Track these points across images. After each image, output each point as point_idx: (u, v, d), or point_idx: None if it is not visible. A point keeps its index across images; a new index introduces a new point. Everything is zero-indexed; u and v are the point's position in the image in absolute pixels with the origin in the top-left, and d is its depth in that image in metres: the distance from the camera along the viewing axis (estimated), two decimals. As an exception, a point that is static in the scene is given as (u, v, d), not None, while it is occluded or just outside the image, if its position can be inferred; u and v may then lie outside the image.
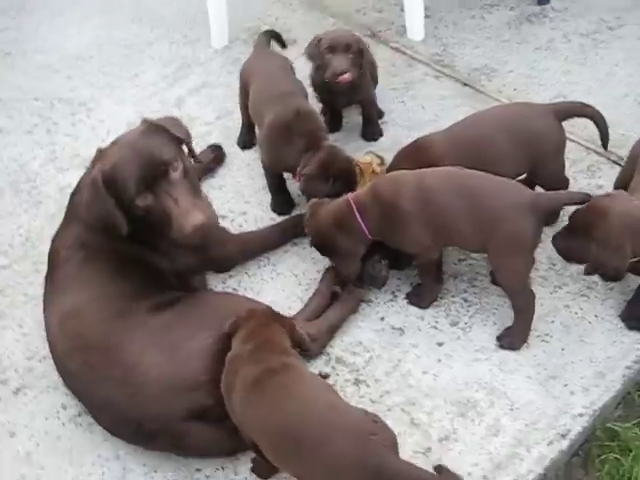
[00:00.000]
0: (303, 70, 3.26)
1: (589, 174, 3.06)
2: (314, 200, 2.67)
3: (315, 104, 3.33)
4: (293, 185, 2.96)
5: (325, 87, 3.09)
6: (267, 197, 3.06)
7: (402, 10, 3.72)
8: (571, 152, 3.10)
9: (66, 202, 2.68)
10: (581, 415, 2.40)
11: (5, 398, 2.59)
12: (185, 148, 2.56)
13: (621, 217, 2.35)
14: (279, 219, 2.99)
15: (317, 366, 2.55)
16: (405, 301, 2.72)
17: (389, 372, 2.54)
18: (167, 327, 2.40)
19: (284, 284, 2.81)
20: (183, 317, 2.43)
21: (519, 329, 2.56)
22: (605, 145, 2.83)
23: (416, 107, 3.40)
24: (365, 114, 3.26)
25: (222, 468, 2.37)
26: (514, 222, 2.41)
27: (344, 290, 2.70)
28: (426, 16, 3.75)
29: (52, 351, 2.52)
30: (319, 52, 2.99)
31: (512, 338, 2.56)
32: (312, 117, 2.87)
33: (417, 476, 1.98)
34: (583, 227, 2.40)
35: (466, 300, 2.71)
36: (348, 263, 2.65)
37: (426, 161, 2.61)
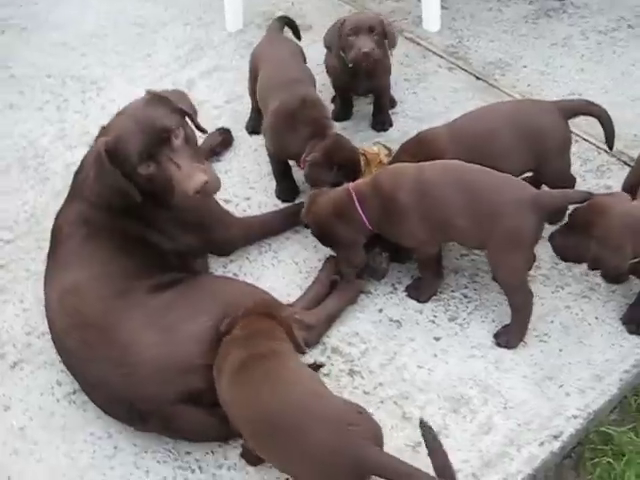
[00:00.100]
0: (319, 57, 3.24)
1: (598, 174, 3.02)
2: (314, 190, 2.66)
3: (326, 92, 3.33)
4: (298, 172, 2.95)
5: (346, 71, 3.06)
6: (272, 183, 3.05)
7: (419, 0, 3.69)
8: (582, 151, 3.08)
9: (73, 180, 2.68)
10: (575, 417, 2.38)
11: (2, 372, 2.61)
12: (189, 121, 2.54)
13: (622, 217, 2.33)
14: (283, 206, 2.98)
15: (313, 355, 2.55)
16: (404, 294, 2.70)
17: (384, 364, 2.53)
18: (166, 308, 2.39)
19: (285, 271, 2.81)
20: (183, 299, 2.43)
21: (516, 328, 2.54)
22: (610, 145, 2.79)
23: (427, 99, 3.37)
24: (377, 103, 3.24)
25: (212, 452, 2.37)
26: (514, 218, 2.38)
27: (343, 280, 2.69)
28: (443, 7, 3.72)
29: (50, 327, 2.53)
30: (342, 34, 2.97)
31: (509, 336, 2.54)
32: (317, 105, 2.85)
33: (400, 469, 1.94)
34: (583, 225, 2.37)
35: (466, 296, 2.70)
36: (351, 253, 2.63)
37: (428, 154, 2.59)
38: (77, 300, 2.44)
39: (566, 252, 2.48)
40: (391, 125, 3.24)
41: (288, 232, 2.91)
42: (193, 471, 2.34)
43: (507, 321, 2.57)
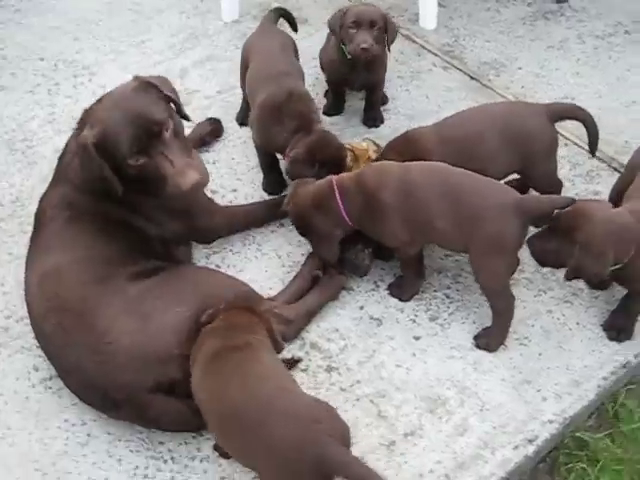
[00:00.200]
0: (314, 50, 3.21)
1: (587, 179, 3.01)
2: (299, 180, 2.64)
3: (319, 86, 3.31)
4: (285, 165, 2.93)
5: (344, 62, 3.04)
6: (259, 176, 3.03)
7: (416, -2, 3.67)
8: (572, 155, 3.07)
9: (60, 165, 2.65)
10: (551, 422, 2.38)
11: (-22, 355, 2.60)
12: (173, 106, 2.52)
13: (605, 223, 2.31)
14: (269, 198, 2.96)
15: (291, 350, 2.53)
16: (386, 292, 2.69)
17: (362, 362, 2.52)
18: (145, 297, 2.38)
19: (267, 264, 2.79)
20: (163, 288, 2.41)
21: (497, 331, 2.53)
22: (593, 151, 2.77)
23: (420, 97, 3.36)
24: (369, 99, 3.22)
25: (185, 443, 2.36)
26: (496, 223, 2.37)
27: (325, 275, 2.67)
28: (440, 5, 3.70)
29: (29, 311, 2.51)
30: (344, 25, 2.95)
31: (489, 339, 2.53)
32: (304, 99, 2.83)
33: (361, 473, 1.90)
34: (565, 230, 2.35)
35: (448, 296, 2.68)
36: (324, 246, 2.61)
37: (414, 154, 2.57)
38: (56, 284, 2.42)
39: (546, 257, 2.46)
40: (382, 122, 3.23)
41: (273, 225, 2.89)
42: (166, 461, 2.33)
43: (488, 323, 2.56)
